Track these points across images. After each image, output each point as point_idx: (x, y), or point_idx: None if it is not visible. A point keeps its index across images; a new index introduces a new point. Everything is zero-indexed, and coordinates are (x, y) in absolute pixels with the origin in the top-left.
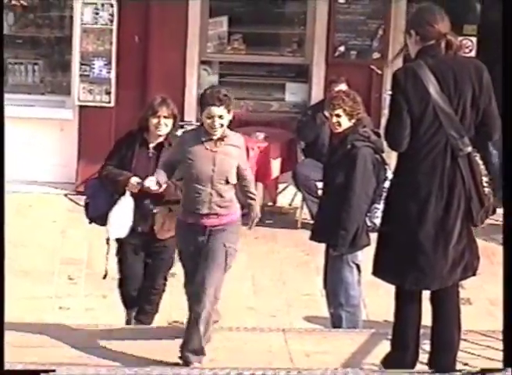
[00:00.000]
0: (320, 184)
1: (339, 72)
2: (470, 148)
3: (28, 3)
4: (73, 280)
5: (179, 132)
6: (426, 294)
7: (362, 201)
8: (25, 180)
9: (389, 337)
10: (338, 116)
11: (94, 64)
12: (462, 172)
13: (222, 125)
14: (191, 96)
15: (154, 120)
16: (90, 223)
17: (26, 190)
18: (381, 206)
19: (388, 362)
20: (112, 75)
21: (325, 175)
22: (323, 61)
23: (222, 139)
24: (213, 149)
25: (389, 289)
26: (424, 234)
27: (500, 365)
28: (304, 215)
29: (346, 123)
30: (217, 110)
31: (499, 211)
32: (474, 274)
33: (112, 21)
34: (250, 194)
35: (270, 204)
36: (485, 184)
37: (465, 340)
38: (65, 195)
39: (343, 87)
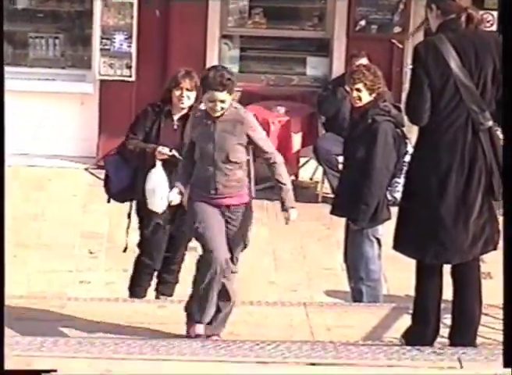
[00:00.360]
0: (341, 158)
1: (360, 46)
2: (491, 123)
3: None
4: (94, 254)
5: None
6: (447, 269)
7: (383, 175)
8: (45, 154)
9: (410, 311)
10: (358, 90)
11: (114, 38)
12: (483, 146)
13: (223, 108)
14: None
15: (177, 92)
16: (108, 201)
17: (47, 164)
18: (401, 180)
19: (409, 336)
20: (133, 49)
21: (345, 149)
22: (344, 35)
23: (222, 116)
24: (212, 126)
25: (410, 263)
26: (445, 208)
27: None
28: (325, 189)
29: (366, 97)
30: (219, 95)
31: None
32: (495, 248)
33: None
34: (277, 182)
35: (291, 178)
36: None
37: (486, 314)
38: (86, 169)
39: (363, 61)
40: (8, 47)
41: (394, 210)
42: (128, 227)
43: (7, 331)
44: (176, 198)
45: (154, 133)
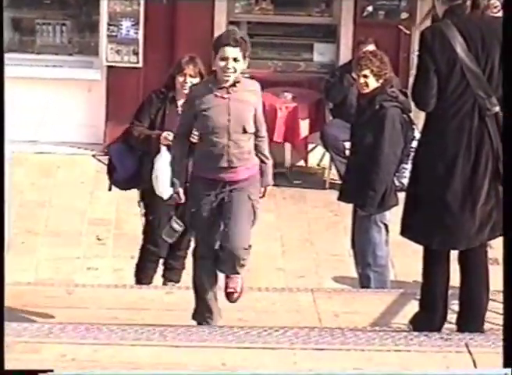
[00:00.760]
0: (348, 145)
1: (367, 32)
2: (497, 108)
3: None
4: (101, 241)
5: None
6: (454, 255)
7: (390, 161)
8: (52, 141)
9: (418, 297)
10: (365, 76)
11: (121, 24)
12: (490, 132)
13: (235, 70)
14: None
15: (181, 78)
16: (109, 189)
17: (54, 151)
18: (409, 166)
19: (416, 322)
20: (140, 35)
21: (353, 135)
22: (351, 21)
23: (234, 85)
24: (226, 96)
25: (418, 249)
26: (452, 194)
27: None
28: (333, 175)
29: (373, 83)
30: (232, 51)
31: None
32: (501, 234)
33: None
34: (263, 156)
35: (299, 164)
36: None
37: (494, 300)
38: (93, 156)
39: (371, 47)
40: (15, 33)
41: (402, 196)
42: (142, 216)
43: (15, 318)
44: (179, 198)
45: (159, 120)
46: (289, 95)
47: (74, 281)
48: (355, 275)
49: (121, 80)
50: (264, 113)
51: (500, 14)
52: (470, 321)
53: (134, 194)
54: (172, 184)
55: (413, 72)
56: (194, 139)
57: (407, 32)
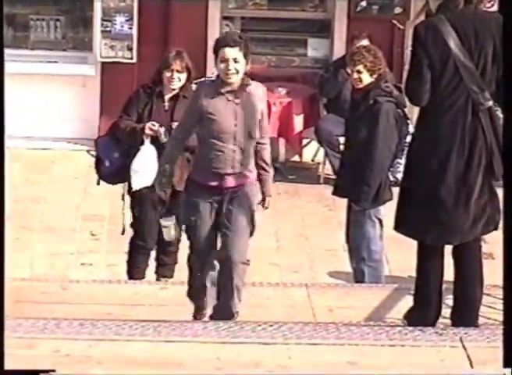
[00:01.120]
0: (342, 139)
1: (361, 27)
2: (491, 103)
3: None
4: (95, 236)
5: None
6: (449, 249)
7: (384, 156)
8: (47, 136)
9: (412, 292)
10: (359, 72)
11: (115, 20)
12: (483, 126)
13: (237, 71)
14: None
15: (168, 74)
16: (98, 183)
17: (49, 146)
18: (403, 161)
19: (410, 316)
20: (134, 31)
21: (347, 130)
22: (345, 16)
23: (243, 89)
24: (235, 101)
25: (412, 244)
26: (446, 189)
27: None
28: (327, 170)
29: (367, 78)
30: (231, 52)
31: None
32: (495, 229)
33: None
34: (265, 165)
35: (293, 159)
36: None
37: (488, 295)
38: (88, 151)
39: (364, 42)
40: (8, 29)
41: (396, 191)
42: (123, 209)
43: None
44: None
45: (147, 114)
46: (283, 90)
47: (68, 277)
48: (349, 270)
49: (115, 75)
50: None
51: (494, 8)
52: (464, 316)
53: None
54: (157, 175)
55: (407, 67)
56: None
57: (401, 27)
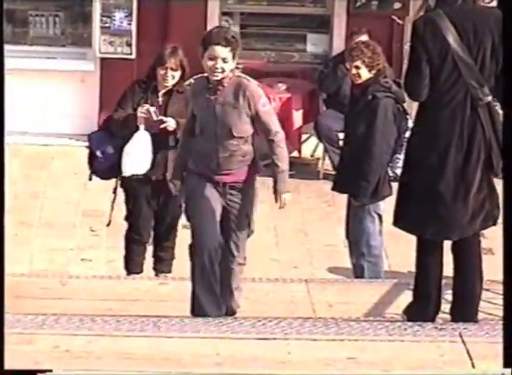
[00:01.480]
0: (341, 135)
1: (360, 22)
2: (490, 98)
3: None
4: (95, 232)
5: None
6: (448, 244)
7: (383, 151)
8: (46, 132)
9: (411, 287)
10: (357, 67)
11: (114, 16)
12: (482, 121)
13: (223, 70)
14: None
15: (162, 71)
16: (90, 178)
17: (48, 142)
18: (402, 156)
19: (410, 312)
20: (133, 27)
21: (346, 126)
22: (344, 11)
23: (221, 85)
24: (212, 98)
25: (411, 239)
26: (445, 184)
27: None
28: (326, 166)
29: (365, 74)
30: (221, 50)
31: None
32: (494, 224)
33: None
34: (277, 161)
35: (293, 155)
36: None
37: (487, 290)
38: (87, 147)
39: (364, 37)
40: (8, 25)
41: (395, 186)
42: (113, 202)
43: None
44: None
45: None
46: (282, 86)
47: (68, 272)
48: (349, 265)
49: (114, 71)
50: None
51: (494, 4)
52: (463, 311)
53: None
54: (171, 176)
55: (406, 62)
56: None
57: (400, 22)
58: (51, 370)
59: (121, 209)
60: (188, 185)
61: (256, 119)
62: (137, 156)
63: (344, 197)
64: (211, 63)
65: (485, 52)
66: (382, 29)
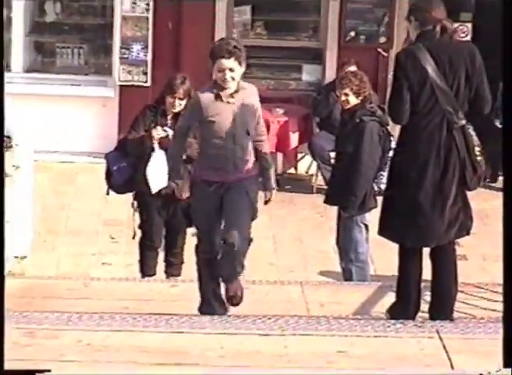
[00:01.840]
0: (333, 154)
1: (349, 55)
2: (464, 121)
3: None
4: (115, 240)
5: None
6: (427, 251)
7: (369, 168)
8: (72, 150)
9: (394, 289)
10: (346, 94)
11: (132, 48)
12: (457, 142)
13: (233, 78)
14: None
15: (171, 99)
16: (107, 193)
17: (73, 160)
18: (386, 173)
19: (393, 311)
20: (149, 57)
21: (337, 146)
22: (335, 45)
23: (239, 91)
24: (232, 102)
25: (394, 246)
26: (424, 198)
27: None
28: (319, 181)
29: (353, 100)
30: (227, 62)
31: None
32: (467, 233)
33: (148, 10)
34: (264, 160)
35: (289, 172)
36: (477, 153)
37: (462, 292)
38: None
39: (352, 68)
40: (38, 56)
41: (380, 199)
42: (133, 215)
43: (38, 307)
44: (178, 191)
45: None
46: (280, 110)
47: (90, 275)
48: (339, 269)
49: (132, 97)
50: None
51: (468, 38)
52: (440, 310)
53: None
54: (170, 177)
55: (390, 90)
56: (195, 149)
57: (385, 54)
58: (49, 370)
59: (138, 220)
60: (194, 192)
61: (257, 123)
62: (159, 173)
63: (335, 209)
64: (220, 75)
65: (460, 81)
66: (369, 60)
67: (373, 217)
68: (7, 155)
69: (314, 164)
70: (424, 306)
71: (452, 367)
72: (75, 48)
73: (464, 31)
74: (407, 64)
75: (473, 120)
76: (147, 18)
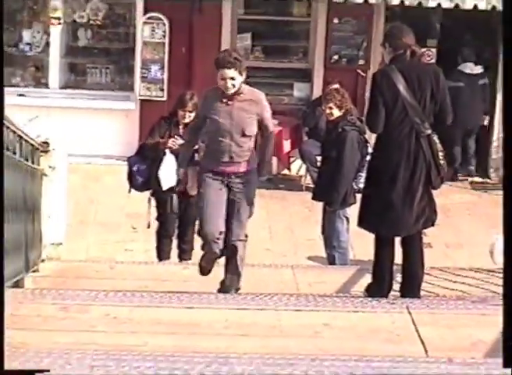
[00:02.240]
0: (319, 158)
1: (333, 75)
2: (429, 131)
3: (102, 22)
4: (135, 229)
5: None
6: (398, 239)
7: (350, 170)
8: (99, 154)
9: (371, 271)
10: (330, 108)
11: (151, 68)
12: (423, 149)
13: (234, 85)
14: None
15: (182, 113)
16: (129, 191)
17: (101, 162)
18: (364, 174)
19: (369, 290)
20: (165, 76)
21: (322, 151)
22: (322, 66)
23: (237, 95)
24: (230, 104)
25: (371, 236)
26: (396, 195)
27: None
28: (308, 181)
29: (337, 112)
30: (228, 72)
31: None
32: (432, 225)
33: (164, 36)
34: (265, 149)
35: (283, 173)
36: (441, 158)
37: (428, 274)
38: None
39: (336, 86)
40: (71, 75)
41: (359, 196)
42: (149, 208)
43: (71, 286)
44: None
45: (167, 137)
46: (275, 121)
47: (115, 259)
48: (324, 255)
49: (150, 109)
50: None
51: (432, 61)
52: (410, 290)
53: None
54: (179, 165)
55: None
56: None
57: (363, 75)
58: (48, 370)
59: (155, 213)
60: (201, 182)
61: (260, 122)
62: (169, 174)
63: (320, 204)
64: (222, 82)
65: (426, 97)
66: (350, 80)
67: (353, 211)
68: (45, 157)
69: (304, 166)
70: (396, 286)
71: (420, 338)
72: (103, 68)
73: (430, 55)
74: (382, 83)
75: (437, 130)
76: (164, 43)
